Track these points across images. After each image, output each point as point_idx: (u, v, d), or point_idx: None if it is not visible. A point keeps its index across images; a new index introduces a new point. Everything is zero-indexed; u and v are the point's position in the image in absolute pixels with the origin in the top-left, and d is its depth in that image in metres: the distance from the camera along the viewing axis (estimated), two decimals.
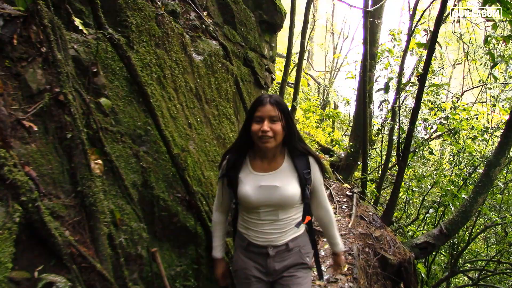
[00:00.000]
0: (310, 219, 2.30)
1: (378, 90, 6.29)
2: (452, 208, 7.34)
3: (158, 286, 2.39)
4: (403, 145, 5.78)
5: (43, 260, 1.71)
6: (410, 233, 10.19)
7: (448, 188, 8.68)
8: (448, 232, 5.87)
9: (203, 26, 4.15)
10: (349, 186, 7.56)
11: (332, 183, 7.86)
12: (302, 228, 2.28)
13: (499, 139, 6.31)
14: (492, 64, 6.89)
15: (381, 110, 11.51)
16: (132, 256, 2.18)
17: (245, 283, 2.24)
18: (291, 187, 2.12)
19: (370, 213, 6.12)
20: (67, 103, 2.00)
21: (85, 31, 2.45)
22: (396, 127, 7.65)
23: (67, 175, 1.95)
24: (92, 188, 1.96)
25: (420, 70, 7.16)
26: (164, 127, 2.72)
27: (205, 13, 4.31)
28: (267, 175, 2.15)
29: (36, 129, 1.90)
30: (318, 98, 17.09)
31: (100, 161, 2.17)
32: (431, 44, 5.25)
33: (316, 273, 2.49)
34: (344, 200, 6.61)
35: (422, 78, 5.33)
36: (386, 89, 5.61)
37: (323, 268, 4.38)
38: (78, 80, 2.22)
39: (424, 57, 7.15)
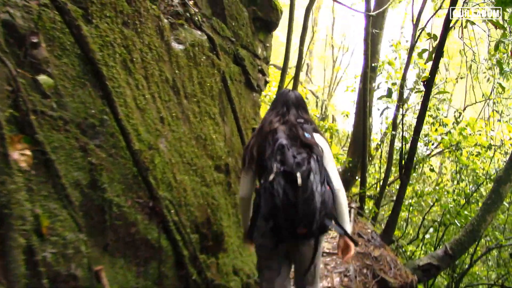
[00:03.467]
0: None
1: (380, 97, 5.83)
2: (458, 225, 6.82)
3: None
4: (405, 156, 5.30)
5: None
6: (408, 253, 9.66)
7: (451, 206, 8.20)
8: (453, 253, 5.36)
9: (187, 14, 3.71)
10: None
11: None
12: None
13: (509, 154, 5.86)
14: (499, 74, 6.47)
15: (381, 123, 11.07)
16: (62, 276, 1.67)
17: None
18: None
19: (369, 231, 5.61)
20: None
21: None
22: (399, 138, 7.20)
23: None
24: (7, 184, 1.47)
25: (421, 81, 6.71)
26: (124, 118, 2.24)
27: (191, 2, 3.87)
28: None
29: None
30: (317, 112, 16.66)
31: (28, 152, 1.69)
32: (439, 47, 4.82)
33: None
34: None
35: (428, 83, 4.89)
36: (389, 94, 5.16)
37: None
38: (6, 49, 1.75)
39: (426, 68, 6.73)
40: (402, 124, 5.95)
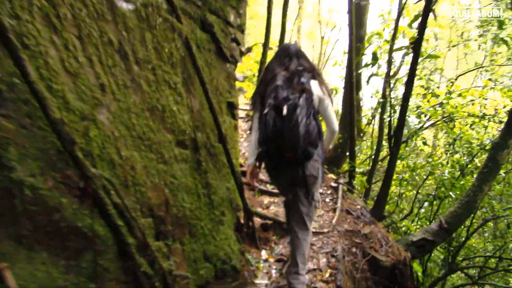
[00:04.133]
0: None
1: (366, 65, 5.44)
2: (453, 197, 6.50)
3: None
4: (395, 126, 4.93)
5: None
6: (403, 228, 9.40)
7: (445, 178, 7.88)
8: (449, 226, 5.03)
9: None
10: (334, 177, 6.68)
11: None
12: None
13: (505, 121, 5.50)
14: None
15: (372, 97, 10.68)
16: None
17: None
18: None
19: (358, 207, 5.27)
20: None
21: None
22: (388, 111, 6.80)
23: None
24: None
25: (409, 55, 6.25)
26: (38, 80, 1.82)
27: None
28: None
29: None
30: None
31: None
32: (426, 5, 4.41)
33: None
34: (328, 192, 5.74)
35: (416, 45, 4.49)
36: (374, 59, 4.77)
37: None
38: None
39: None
40: (390, 88, 5.55)
